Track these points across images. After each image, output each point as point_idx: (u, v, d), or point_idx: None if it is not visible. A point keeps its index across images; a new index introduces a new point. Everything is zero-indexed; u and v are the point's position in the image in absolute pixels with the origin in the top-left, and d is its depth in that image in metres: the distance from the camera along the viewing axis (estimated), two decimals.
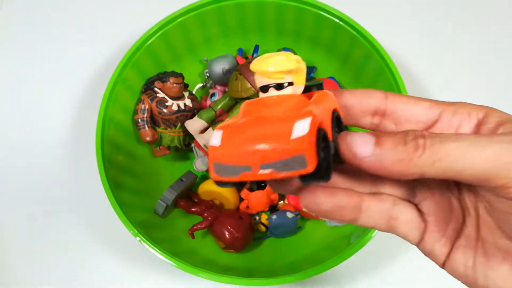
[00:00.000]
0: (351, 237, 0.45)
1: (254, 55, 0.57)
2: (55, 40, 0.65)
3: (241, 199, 0.52)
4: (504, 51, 0.62)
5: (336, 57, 0.56)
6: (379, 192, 0.21)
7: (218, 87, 0.57)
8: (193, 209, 0.49)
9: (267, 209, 0.52)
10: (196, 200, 0.51)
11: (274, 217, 0.49)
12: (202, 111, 0.52)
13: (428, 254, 0.21)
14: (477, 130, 0.20)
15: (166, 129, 0.53)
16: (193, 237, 0.48)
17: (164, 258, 0.42)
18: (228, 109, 0.52)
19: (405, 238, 0.21)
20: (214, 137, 0.18)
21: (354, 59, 0.53)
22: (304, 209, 0.20)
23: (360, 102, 0.21)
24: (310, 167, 0.17)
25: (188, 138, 0.54)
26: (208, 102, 0.56)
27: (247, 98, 0.48)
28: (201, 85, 0.59)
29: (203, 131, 0.51)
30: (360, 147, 0.18)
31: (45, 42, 0.65)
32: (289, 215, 0.49)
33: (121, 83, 0.51)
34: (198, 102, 0.56)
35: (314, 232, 0.52)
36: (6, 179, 0.57)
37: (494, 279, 0.19)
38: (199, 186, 0.52)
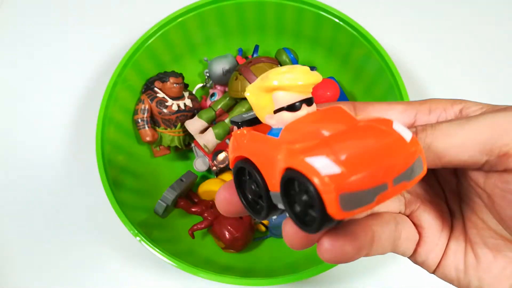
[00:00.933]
0: None
1: (254, 55, 0.57)
2: (55, 40, 0.65)
3: None
4: (504, 51, 0.62)
5: (336, 57, 0.56)
6: (376, 212, 0.20)
7: (218, 87, 0.57)
8: (193, 209, 0.49)
9: None
10: (196, 200, 0.51)
11: (274, 217, 0.49)
12: (202, 111, 0.52)
13: (420, 264, 0.21)
14: None
15: (166, 129, 0.53)
16: (193, 237, 0.48)
17: (164, 258, 0.42)
18: (228, 109, 0.52)
19: (402, 254, 0.20)
20: (325, 165, 0.14)
21: (354, 59, 0.53)
22: (325, 261, 0.17)
23: None
24: (425, 168, 0.16)
25: (188, 138, 0.54)
26: (208, 102, 0.56)
27: None
28: (201, 85, 0.59)
29: (203, 131, 0.51)
30: None
31: (45, 42, 0.65)
32: None
33: (121, 83, 0.51)
34: (198, 102, 0.56)
35: None
36: (6, 179, 0.57)
37: (486, 280, 0.19)
38: (199, 186, 0.52)
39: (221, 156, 0.51)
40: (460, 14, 0.64)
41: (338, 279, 0.51)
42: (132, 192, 0.49)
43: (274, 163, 0.16)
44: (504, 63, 0.61)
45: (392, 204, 0.21)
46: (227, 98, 0.52)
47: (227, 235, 0.47)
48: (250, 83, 0.48)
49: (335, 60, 0.56)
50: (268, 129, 0.18)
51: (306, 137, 0.16)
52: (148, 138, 0.51)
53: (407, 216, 0.21)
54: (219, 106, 0.51)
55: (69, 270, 0.52)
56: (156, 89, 0.52)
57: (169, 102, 0.52)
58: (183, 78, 0.53)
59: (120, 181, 0.48)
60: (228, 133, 0.50)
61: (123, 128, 0.52)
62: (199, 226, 0.48)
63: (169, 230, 0.50)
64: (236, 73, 0.50)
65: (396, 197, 0.21)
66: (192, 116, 0.53)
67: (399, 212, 0.21)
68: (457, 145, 0.17)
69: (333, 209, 0.14)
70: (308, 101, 0.17)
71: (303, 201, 0.16)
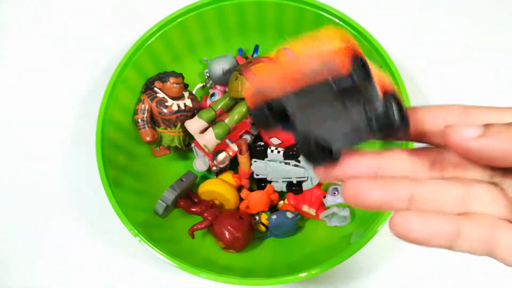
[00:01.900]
0: (351, 237, 0.45)
1: (254, 55, 0.57)
2: (55, 40, 0.65)
3: (241, 199, 0.52)
4: (504, 51, 0.62)
5: None
6: (468, 212, 0.19)
7: (218, 87, 0.57)
8: (193, 209, 0.49)
9: (267, 209, 0.52)
10: (196, 200, 0.51)
11: (274, 217, 0.49)
12: (202, 111, 0.52)
13: None
14: None
15: (166, 129, 0.53)
16: (193, 237, 0.48)
17: (164, 258, 0.42)
18: (228, 109, 0.52)
19: (502, 262, 0.19)
20: None
21: None
22: (393, 233, 0.18)
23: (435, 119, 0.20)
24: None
25: (188, 138, 0.54)
26: (208, 102, 0.56)
27: None
28: (201, 85, 0.59)
29: (203, 131, 0.51)
30: (465, 126, 0.17)
31: (45, 42, 0.65)
32: (289, 215, 0.49)
33: (121, 83, 0.51)
34: (198, 102, 0.56)
35: (314, 232, 0.52)
36: (6, 179, 0.57)
37: None
38: (199, 186, 0.52)
39: (221, 156, 0.51)
40: (461, 14, 0.64)
41: (338, 279, 0.51)
42: (132, 192, 0.49)
43: None
44: (505, 62, 0.61)
45: (478, 175, 0.19)
46: (227, 98, 0.52)
47: (227, 235, 0.47)
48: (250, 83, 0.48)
49: None
50: None
51: None
52: (148, 138, 0.51)
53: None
54: (219, 106, 0.51)
55: (69, 270, 0.53)
56: (156, 89, 0.52)
57: (169, 102, 0.52)
58: (183, 78, 0.53)
59: (120, 181, 0.48)
60: (228, 133, 0.50)
61: (123, 128, 0.52)
62: (199, 226, 0.48)
63: (169, 230, 0.50)
64: (236, 73, 0.50)
65: (485, 169, 0.19)
66: (192, 116, 0.53)
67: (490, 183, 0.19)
68: None
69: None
70: None
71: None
